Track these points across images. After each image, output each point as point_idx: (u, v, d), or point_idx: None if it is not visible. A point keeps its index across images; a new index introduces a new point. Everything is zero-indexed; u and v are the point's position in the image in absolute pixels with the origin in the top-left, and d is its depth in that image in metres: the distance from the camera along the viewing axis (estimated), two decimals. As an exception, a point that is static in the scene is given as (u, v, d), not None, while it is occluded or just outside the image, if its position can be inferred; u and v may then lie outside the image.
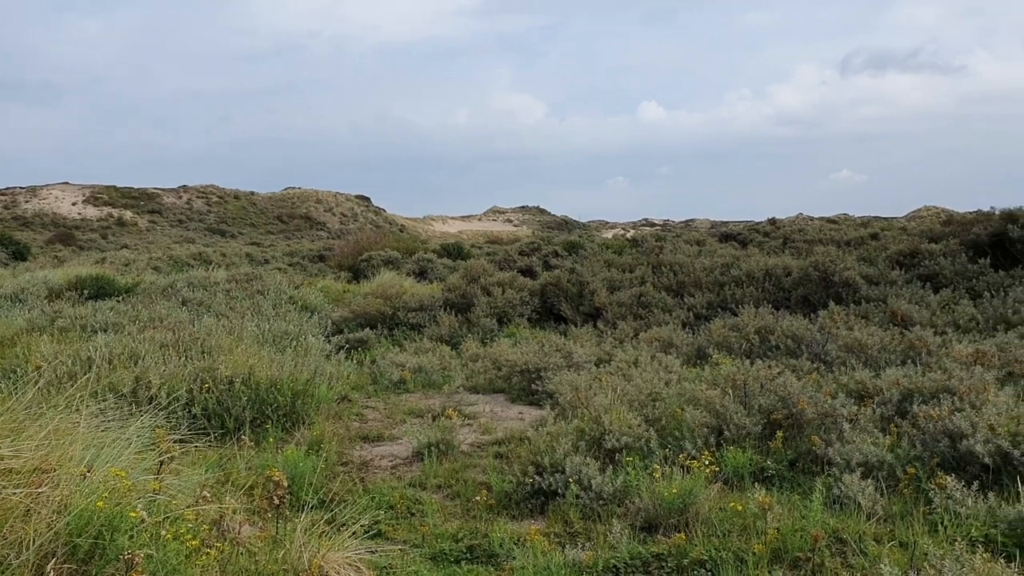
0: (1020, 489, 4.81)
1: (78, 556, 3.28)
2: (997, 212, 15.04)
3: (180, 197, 71.13)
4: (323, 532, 4.14)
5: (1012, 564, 3.96)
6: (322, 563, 3.85)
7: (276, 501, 3.99)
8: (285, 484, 4.06)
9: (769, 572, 4.32)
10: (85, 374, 6.99)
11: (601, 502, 5.35)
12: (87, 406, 4.52)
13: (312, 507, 4.57)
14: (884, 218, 46.40)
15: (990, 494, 4.95)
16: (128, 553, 3.16)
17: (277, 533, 4.02)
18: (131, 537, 3.38)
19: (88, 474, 3.59)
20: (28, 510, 3.31)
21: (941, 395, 6.39)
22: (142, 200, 68.78)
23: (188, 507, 3.80)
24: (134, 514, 3.41)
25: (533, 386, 9.18)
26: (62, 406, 4.40)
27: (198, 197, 71.69)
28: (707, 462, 5.36)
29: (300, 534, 3.99)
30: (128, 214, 64.83)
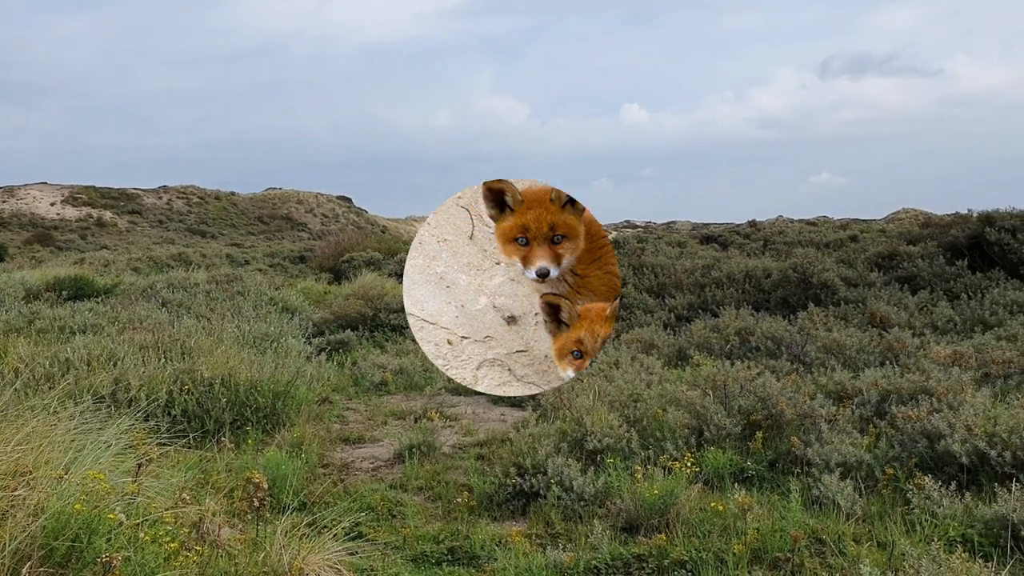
0: (997, 489, 4.86)
1: (55, 559, 3.25)
2: (975, 214, 15.15)
3: (160, 197, 70.55)
4: (304, 534, 4.13)
5: (989, 564, 4.00)
6: (302, 565, 3.83)
7: (256, 503, 3.97)
8: (265, 486, 4.04)
9: (749, 572, 4.34)
10: (63, 376, 6.93)
11: (582, 503, 5.35)
12: (65, 408, 4.48)
13: (293, 509, 4.56)
14: (863, 220, 46.62)
15: (967, 494, 5.01)
16: (106, 556, 3.13)
17: (257, 535, 4.00)
18: (109, 540, 3.35)
19: (65, 476, 3.56)
20: (4, 513, 3.27)
21: (919, 396, 6.44)
22: (122, 200, 68.13)
23: (167, 509, 3.77)
24: (112, 517, 3.37)
25: (515, 387, 9.17)
26: (40, 408, 4.36)
27: (178, 197, 71.14)
28: (689, 463, 5.38)
29: (280, 536, 3.98)
30: (107, 214, 64.22)
